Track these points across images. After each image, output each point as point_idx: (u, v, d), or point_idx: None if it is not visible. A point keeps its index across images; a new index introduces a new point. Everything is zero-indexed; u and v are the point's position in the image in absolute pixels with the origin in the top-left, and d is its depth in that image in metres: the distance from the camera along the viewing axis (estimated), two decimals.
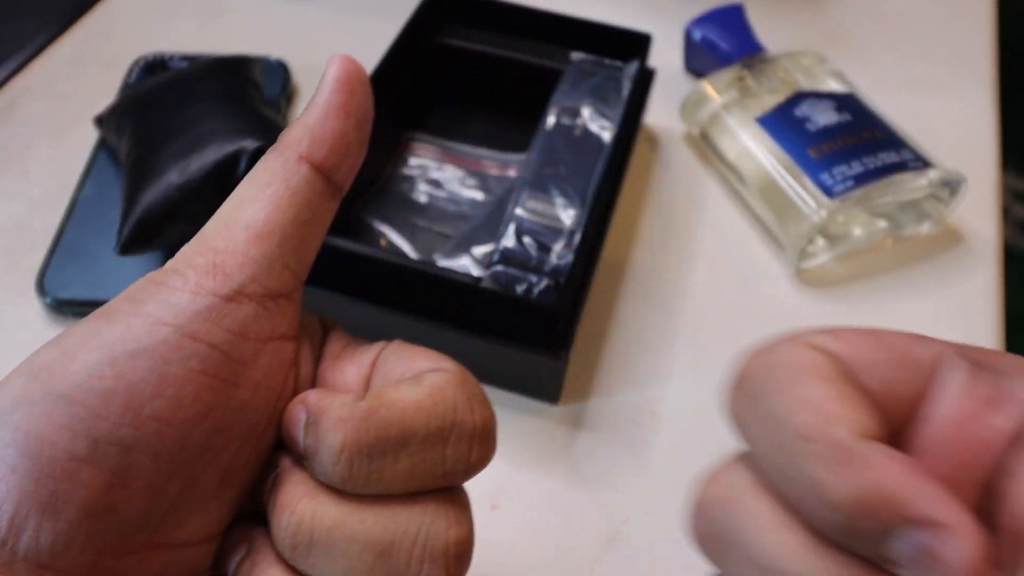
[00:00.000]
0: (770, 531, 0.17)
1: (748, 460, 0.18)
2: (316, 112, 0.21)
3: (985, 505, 0.17)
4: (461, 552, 0.20)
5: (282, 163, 0.21)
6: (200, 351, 0.19)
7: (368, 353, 0.22)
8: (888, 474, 0.15)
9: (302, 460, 0.20)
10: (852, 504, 0.15)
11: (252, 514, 0.21)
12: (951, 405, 0.17)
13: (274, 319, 0.20)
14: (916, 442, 0.17)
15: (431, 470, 0.20)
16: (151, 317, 0.19)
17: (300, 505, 0.20)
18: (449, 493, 0.21)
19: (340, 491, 0.20)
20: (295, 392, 0.21)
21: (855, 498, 0.15)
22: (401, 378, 0.21)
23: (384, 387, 0.21)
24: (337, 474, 0.19)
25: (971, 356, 0.18)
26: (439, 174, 0.47)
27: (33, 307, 0.41)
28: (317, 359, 0.23)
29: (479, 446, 0.20)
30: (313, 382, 0.22)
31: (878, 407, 0.17)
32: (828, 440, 0.16)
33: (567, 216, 0.39)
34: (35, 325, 0.40)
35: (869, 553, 0.16)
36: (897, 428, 0.17)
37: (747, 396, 0.18)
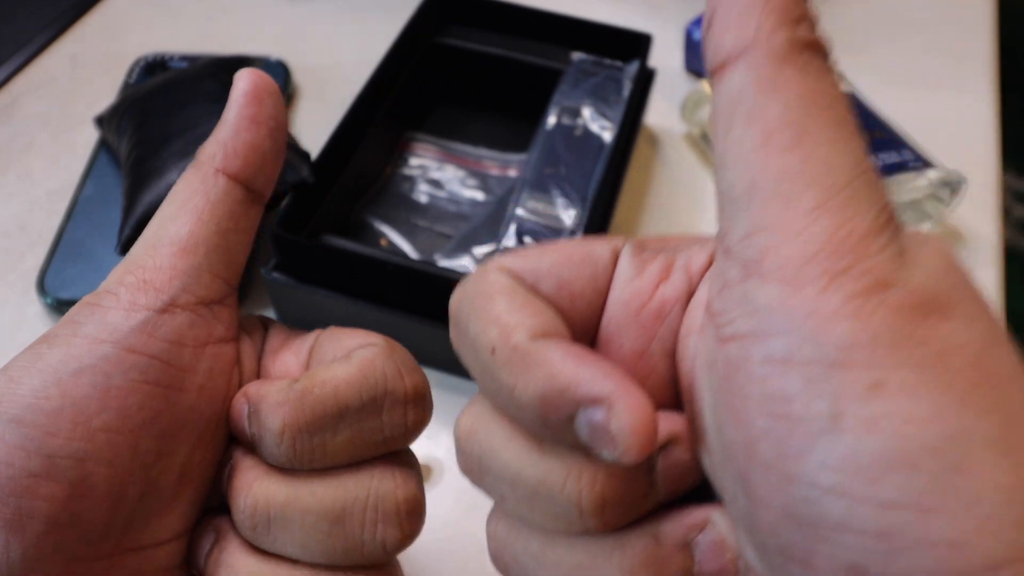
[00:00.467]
0: (504, 448, 0.18)
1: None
2: (227, 126, 0.22)
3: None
4: (411, 509, 0.21)
5: (200, 178, 0.22)
6: (140, 362, 0.20)
7: (306, 342, 0.24)
8: (557, 365, 0.16)
9: (252, 448, 0.22)
10: (537, 401, 0.17)
11: (220, 508, 0.22)
12: (624, 288, 0.19)
13: (210, 324, 0.22)
14: (602, 329, 0.19)
15: (370, 438, 0.21)
16: (89, 337, 0.20)
17: (253, 488, 0.21)
18: (393, 457, 0.22)
19: (289, 470, 0.21)
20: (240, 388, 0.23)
21: (537, 395, 0.17)
22: (334, 359, 0.22)
23: (314, 369, 0.22)
24: (283, 454, 0.21)
25: (640, 243, 0.19)
26: (439, 174, 0.47)
27: (34, 307, 0.41)
28: (259, 355, 0.24)
29: (413, 409, 0.21)
30: (257, 376, 0.23)
31: (557, 307, 0.18)
32: (509, 347, 0.17)
33: (567, 216, 0.39)
34: (36, 325, 0.40)
35: (573, 443, 0.17)
36: (590, 322, 0.19)
37: (455, 327, 0.19)
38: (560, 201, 0.39)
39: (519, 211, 0.39)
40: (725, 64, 0.17)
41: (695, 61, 0.54)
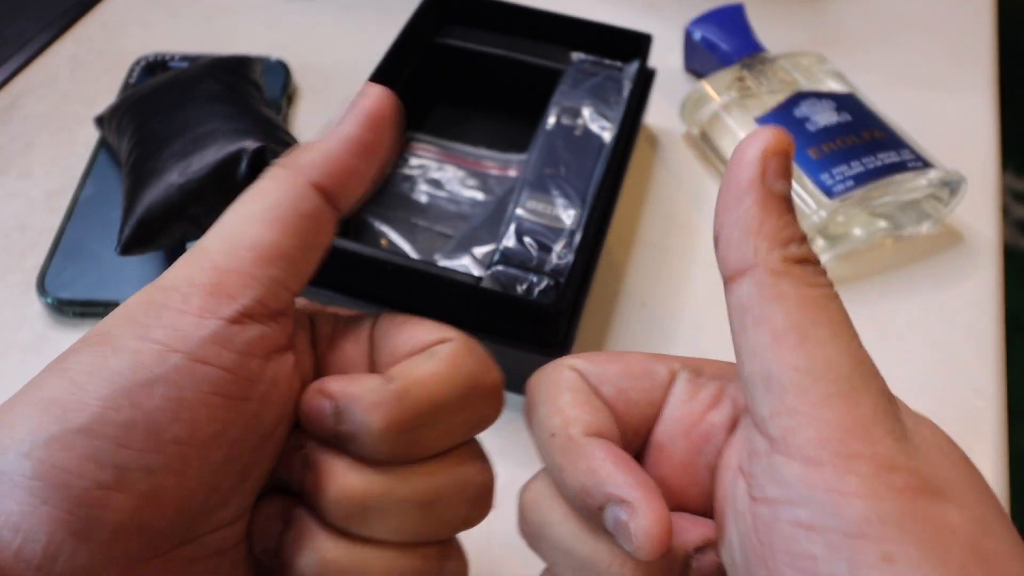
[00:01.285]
0: (561, 524, 0.21)
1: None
2: (338, 143, 0.22)
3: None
4: (490, 490, 0.23)
5: (292, 185, 0.21)
6: (211, 375, 0.19)
7: (361, 330, 0.24)
8: (598, 463, 0.20)
9: (333, 442, 0.22)
10: (578, 487, 0.20)
11: (273, 490, 0.23)
12: (678, 407, 0.22)
13: (276, 335, 0.21)
14: (654, 438, 0.22)
15: (460, 430, 0.22)
16: (159, 344, 0.19)
17: (347, 480, 0.21)
18: (471, 443, 0.23)
19: (381, 463, 0.22)
20: (302, 388, 0.22)
21: (579, 482, 0.20)
22: (411, 352, 0.22)
23: (403, 366, 0.22)
24: (382, 452, 0.21)
25: (695, 367, 0.23)
26: (439, 174, 0.47)
27: (34, 307, 0.41)
28: (313, 344, 0.23)
29: (495, 401, 0.23)
30: (315, 370, 0.23)
31: (614, 410, 0.22)
32: (565, 436, 0.21)
33: (567, 216, 0.39)
34: (36, 325, 0.40)
35: (607, 528, 0.20)
36: (642, 428, 0.22)
37: (528, 409, 0.23)
38: (560, 201, 0.39)
39: (519, 211, 0.39)
40: (733, 276, 0.20)
41: (695, 61, 0.54)
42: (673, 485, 0.22)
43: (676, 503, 0.22)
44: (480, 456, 0.23)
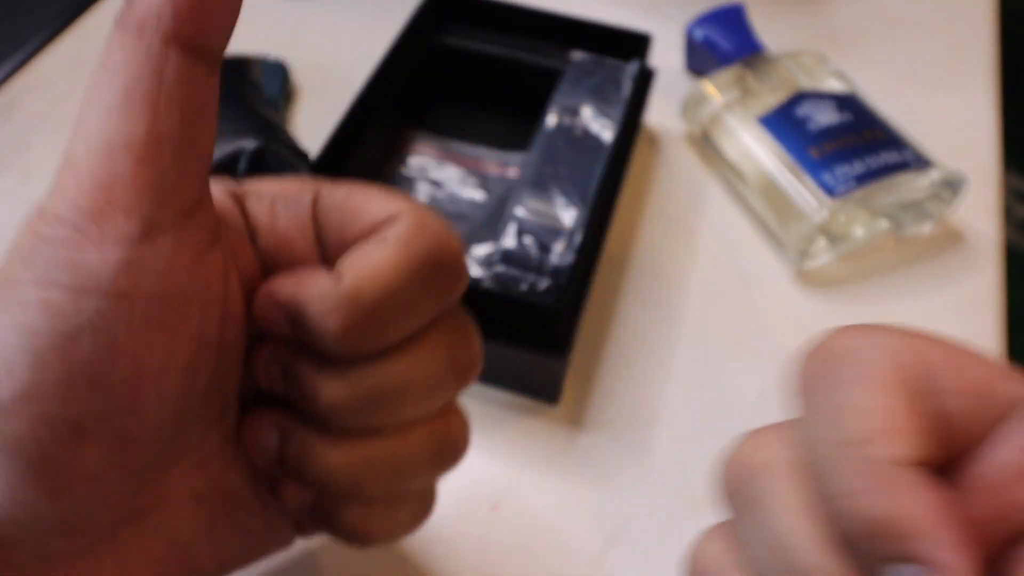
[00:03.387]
0: (795, 514, 0.17)
1: (793, 433, 0.18)
2: None
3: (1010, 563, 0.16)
4: (480, 350, 0.23)
5: (144, 52, 0.17)
6: (136, 307, 0.18)
7: (301, 209, 0.22)
8: (917, 507, 0.15)
9: (295, 342, 0.21)
10: (871, 522, 0.15)
11: (258, 398, 0.22)
12: (1010, 455, 0.16)
13: (194, 237, 0.19)
14: (964, 475, 0.16)
15: (431, 306, 0.21)
16: (68, 288, 0.17)
17: (330, 390, 0.20)
18: (451, 313, 0.22)
19: (352, 358, 0.21)
20: (243, 286, 0.21)
21: (873, 517, 0.15)
22: (360, 234, 0.21)
23: (353, 259, 0.20)
24: (347, 352, 0.20)
25: None
26: (439, 174, 0.47)
27: None
28: (252, 237, 0.22)
29: (457, 274, 0.21)
30: (259, 262, 0.22)
31: (940, 431, 0.16)
32: (880, 454, 0.15)
33: (567, 216, 0.38)
34: None
35: (870, 567, 0.16)
36: (957, 453, 0.16)
37: (820, 372, 0.17)
38: (560, 201, 0.39)
39: (519, 211, 0.39)
40: None
41: (696, 61, 0.53)
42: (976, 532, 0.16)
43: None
44: (464, 321, 0.22)
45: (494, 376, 0.38)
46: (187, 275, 0.18)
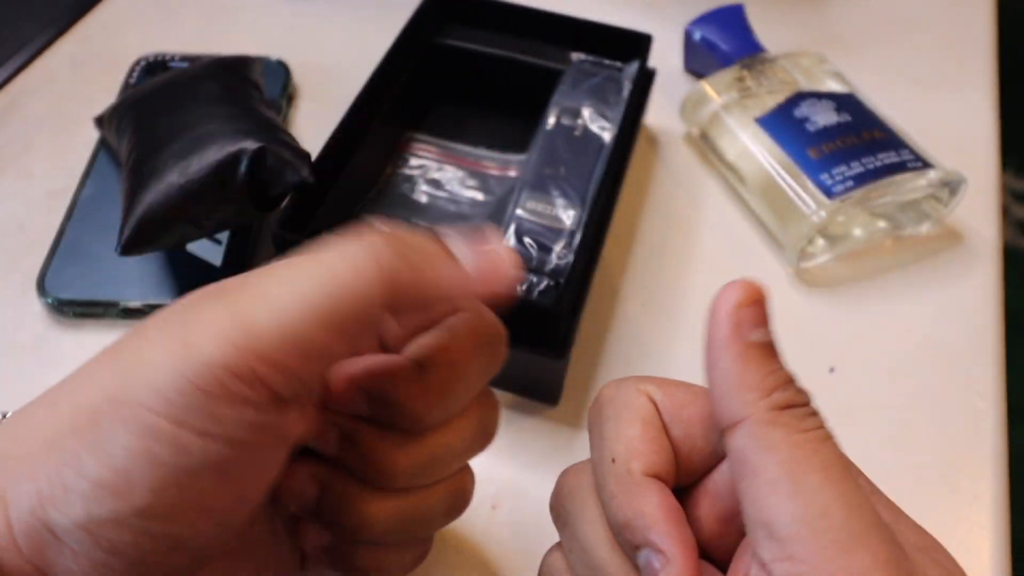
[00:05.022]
0: (590, 523, 0.23)
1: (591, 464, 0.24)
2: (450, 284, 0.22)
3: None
4: (500, 421, 0.27)
5: (367, 285, 0.20)
6: (251, 458, 0.21)
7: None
8: (650, 508, 0.21)
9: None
10: (624, 521, 0.21)
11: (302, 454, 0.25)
12: (722, 477, 0.23)
13: (304, 416, 0.23)
14: (706, 484, 0.23)
15: (484, 382, 0.25)
16: (199, 432, 0.19)
17: (394, 457, 0.24)
18: (484, 393, 0.26)
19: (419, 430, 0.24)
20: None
21: (625, 517, 0.21)
22: (421, 324, 0.25)
23: (423, 344, 0.25)
24: (419, 423, 0.24)
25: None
26: (439, 174, 0.47)
27: (34, 307, 0.41)
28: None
29: (505, 348, 0.26)
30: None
31: (677, 450, 0.23)
32: (625, 468, 0.22)
33: (567, 216, 0.39)
34: (36, 325, 0.40)
35: (634, 556, 0.21)
36: (698, 472, 0.23)
37: (595, 415, 0.24)
38: (560, 201, 0.39)
39: (519, 211, 0.39)
40: (728, 429, 0.21)
41: (695, 61, 0.54)
42: (706, 531, 0.23)
43: (704, 548, 0.23)
44: (488, 396, 0.26)
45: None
46: (287, 438, 0.22)
